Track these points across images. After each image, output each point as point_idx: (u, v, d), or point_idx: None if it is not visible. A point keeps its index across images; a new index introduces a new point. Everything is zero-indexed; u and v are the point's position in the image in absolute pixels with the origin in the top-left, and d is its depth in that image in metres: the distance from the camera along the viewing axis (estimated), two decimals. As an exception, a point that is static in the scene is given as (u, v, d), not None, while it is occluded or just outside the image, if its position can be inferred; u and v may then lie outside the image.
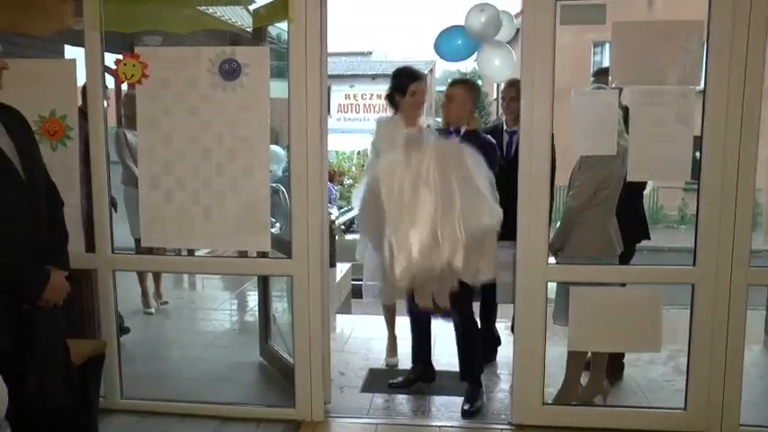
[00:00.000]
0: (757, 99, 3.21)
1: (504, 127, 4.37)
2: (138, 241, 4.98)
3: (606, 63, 11.47)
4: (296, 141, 3.49)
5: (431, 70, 22.90)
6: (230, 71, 3.43)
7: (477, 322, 4.01)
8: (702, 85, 3.30)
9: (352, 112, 25.87)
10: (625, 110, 3.52)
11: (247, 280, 6.87)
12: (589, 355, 3.81)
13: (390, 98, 3.93)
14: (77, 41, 5.04)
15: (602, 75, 3.89)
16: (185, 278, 7.18)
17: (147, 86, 3.50)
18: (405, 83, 3.82)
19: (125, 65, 3.46)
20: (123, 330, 3.99)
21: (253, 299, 6.50)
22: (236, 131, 3.48)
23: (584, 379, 3.84)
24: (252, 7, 4.01)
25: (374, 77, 24.79)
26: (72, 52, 5.28)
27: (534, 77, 3.38)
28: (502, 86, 4.41)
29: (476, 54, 4.00)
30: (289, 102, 3.47)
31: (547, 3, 3.33)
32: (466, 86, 3.91)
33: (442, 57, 3.82)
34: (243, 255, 4.36)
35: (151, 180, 3.56)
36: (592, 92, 3.55)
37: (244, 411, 3.73)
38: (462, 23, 3.93)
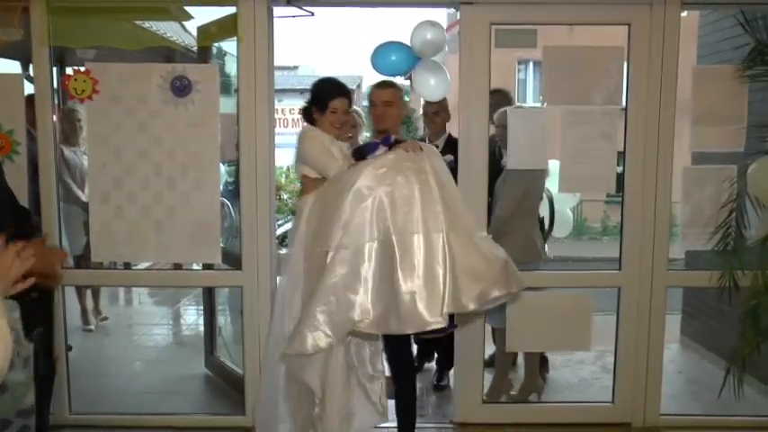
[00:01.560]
0: (671, 118, 3.55)
1: (427, 141, 4.27)
2: (77, 258, 4.94)
3: (530, 80, 11.89)
4: (246, 155, 3.60)
5: (358, 86, 23.21)
6: (182, 88, 3.52)
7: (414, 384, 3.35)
8: (624, 105, 3.62)
9: (280, 126, 25.88)
10: None
11: (184, 296, 6.87)
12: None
13: (307, 112, 3.24)
14: (10, 54, 4.99)
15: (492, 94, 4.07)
16: (121, 295, 7.09)
17: (97, 102, 3.54)
18: (325, 97, 3.17)
19: (76, 80, 3.50)
20: (66, 348, 3.96)
21: (191, 314, 6.52)
22: (187, 147, 3.56)
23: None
24: (198, 25, 4.10)
25: (302, 92, 24.76)
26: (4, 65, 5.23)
27: (471, 95, 3.62)
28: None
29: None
30: (238, 117, 3.59)
31: (483, 27, 3.58)
32: (397, 88, 3.36)
33: (378, 71, 3.93)
34: (178, 267, 4.38)
35: (101, 195, 3.59)
36: (526, 110, 3.81)
37: (194, 421, 3.79)
38: (394, 39, 4.08)
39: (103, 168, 3.58)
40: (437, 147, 4.20)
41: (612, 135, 3.63)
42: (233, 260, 3.83)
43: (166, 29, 6.45)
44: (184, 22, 6.16)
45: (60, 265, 2.65)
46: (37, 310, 2.49)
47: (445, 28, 4.28)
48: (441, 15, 17.19)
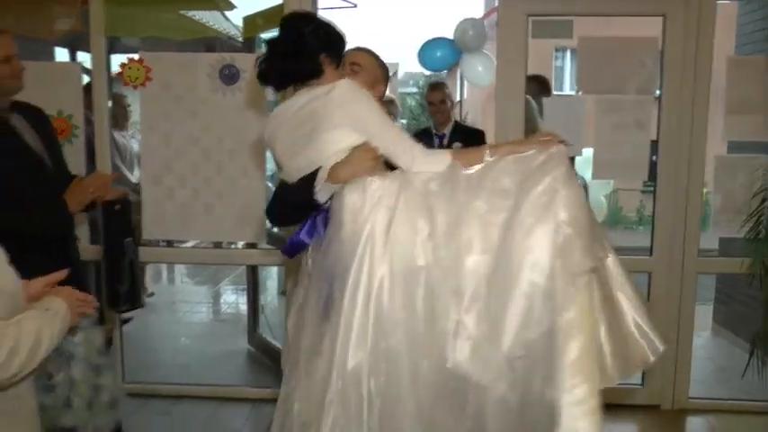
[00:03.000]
0: (704, 107, 3.61)
1: (434, 131, 4.23)
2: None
3: (567, 68, 11.90)
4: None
5: (394, 73, 23.33)
6: (230, 76, 3.70)
7: None
8: (658, 94, 3.68)
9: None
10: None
11: (224, 277, 7.12)
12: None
13: (307, 63, 2.14)
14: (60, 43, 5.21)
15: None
16: (164, 275, 7.38)
17: (149, 89, 3.73)
18: (342, 45, 2.25)
19: (130, 68, 3.69)
20: (124, 320, 4.21)
21: (230, 294, 6.77)
22: (235, 133, 3.73)
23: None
24: (243, 15, 4.26)
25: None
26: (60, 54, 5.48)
27: (508, 83, 3.72)
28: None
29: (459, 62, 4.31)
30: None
31: (520, 18, 3.69)
32: (374, 55, 2.46)
33: (425, 66, 4.10)
34: (217, 246, 4.56)
35: (153, 178, 3.79)
36: (562, 98, 3.91)
37: (239, 392, 3.99)
38: (438, 32, 4.23)
39: (155, 152, 3.78)
40: (444, 135, 4.15)
41: (646, 124, 3.70)
42: (276, 240, 4.02)
43: (209, 18, 6.63)
44: (227, 12, 6.33)
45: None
46: (122, 220, 2.71)
47: (482, 16, 4.39)
48: (478, 3, 17.22)
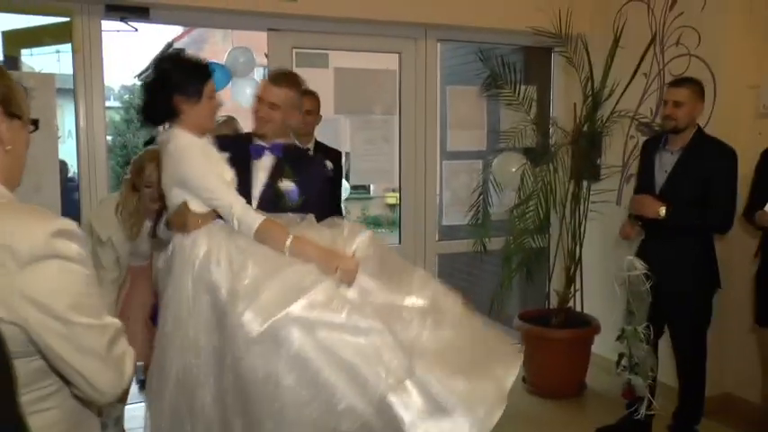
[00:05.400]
0: (433, 125, 4.65)
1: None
2: None
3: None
4: (84, 154, 3.96)
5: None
6: (18, 95, 3.77)
7: None
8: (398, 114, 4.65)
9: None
10: None
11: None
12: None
13: (158, 107, 2.33)
14: None
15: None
16: None
17: None
18: (202, 76, 2.35)
19: None
20: None
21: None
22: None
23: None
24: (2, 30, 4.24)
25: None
26: None
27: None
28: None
29: (230, 85, 4.82)
30: (77, 122, 3.94)
31: (286, 50, 4.37)
32: (293, 84, 2.66)
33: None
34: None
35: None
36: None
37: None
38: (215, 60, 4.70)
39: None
40: (308, 150, 3.48)
41: (391, 138, 4.63)
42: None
43: None
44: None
45: None
46: None
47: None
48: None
